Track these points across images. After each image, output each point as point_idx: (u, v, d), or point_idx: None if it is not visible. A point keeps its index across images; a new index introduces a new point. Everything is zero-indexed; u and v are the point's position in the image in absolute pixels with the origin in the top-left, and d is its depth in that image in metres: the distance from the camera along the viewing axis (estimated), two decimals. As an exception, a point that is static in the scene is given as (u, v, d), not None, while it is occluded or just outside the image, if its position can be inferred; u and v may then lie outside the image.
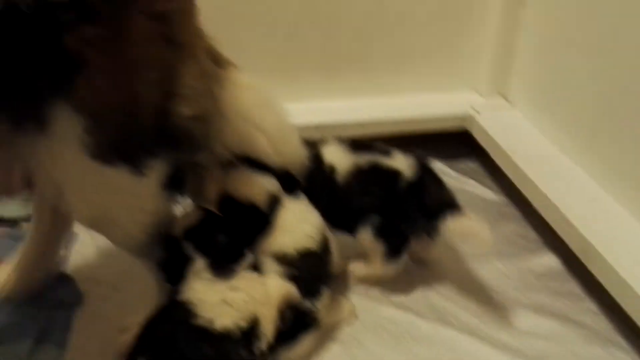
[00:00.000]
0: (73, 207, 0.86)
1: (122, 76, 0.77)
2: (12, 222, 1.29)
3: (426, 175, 1.17)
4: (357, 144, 1.19)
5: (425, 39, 1.57)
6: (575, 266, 1.23)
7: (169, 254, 0.96)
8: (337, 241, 1.12)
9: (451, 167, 1.58)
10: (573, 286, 1.23)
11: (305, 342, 1.00)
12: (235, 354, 0.89)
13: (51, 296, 1.12)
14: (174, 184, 0.92)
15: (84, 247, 1.23)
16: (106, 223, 0.90)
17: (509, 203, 1.48)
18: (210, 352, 0.88)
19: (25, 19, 0.69)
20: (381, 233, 1.14)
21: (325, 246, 1.06)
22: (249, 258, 0.99)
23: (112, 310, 1.10)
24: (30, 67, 0.72)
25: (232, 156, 1.02)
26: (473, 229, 1.11)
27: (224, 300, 0.91)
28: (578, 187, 1.30)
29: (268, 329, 0.93)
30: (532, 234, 1.38)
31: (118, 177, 0.83)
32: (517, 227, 1.40)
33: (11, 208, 1.29)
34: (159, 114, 0.82)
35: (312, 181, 1.14)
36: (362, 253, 1.19)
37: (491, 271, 1.26)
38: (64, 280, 1.16)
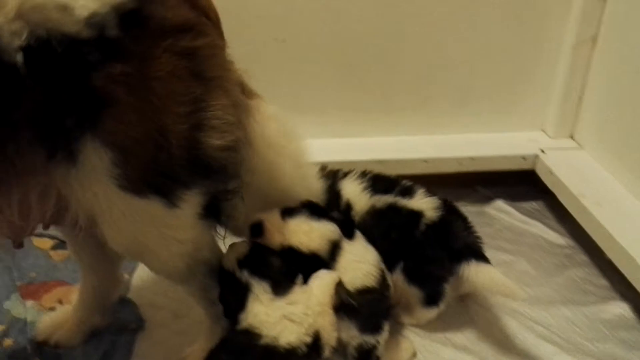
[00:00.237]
0: (107, 237, 0.88)
1: (149, 111, 0.79)
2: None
3: (451, 217, 1.14)
4: (379, 180, 1.17)
5: (494, 77, 1.56)
6: (649, 315, 1.18)
7: (226, 287, 0.97)
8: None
9: (516, 208, 1.54)
10: (646, 337, 1.18)
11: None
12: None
13: (114, 320, 1.14)
14: (212, 214, 0.92)
15: (146, 272, 1.24)
16: (142, 252, 0.91)
17: (576, 246, 1.42)
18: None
19: (56, 55, 0.73)
20: (412, 279, 1.11)
21: (383, 282, 1.05)
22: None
23: (172, 338, 1.11)
24: (59, 101, 0.75)
25: (292, 204, 1.03)
26: (498, 281, 1.07)
27: (285, 315, 0.93)
28: (650, 231, 1.25)
29: (329, 338, 0.94)
30: (601, 280, 1.32)
31: (150, 208, 0.84)
32: (585, 272, 1.35)
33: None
34: (189, 145, 0.83)
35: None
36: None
37: (558, 318, 1.21)
38: (126, 305, 1.19)
